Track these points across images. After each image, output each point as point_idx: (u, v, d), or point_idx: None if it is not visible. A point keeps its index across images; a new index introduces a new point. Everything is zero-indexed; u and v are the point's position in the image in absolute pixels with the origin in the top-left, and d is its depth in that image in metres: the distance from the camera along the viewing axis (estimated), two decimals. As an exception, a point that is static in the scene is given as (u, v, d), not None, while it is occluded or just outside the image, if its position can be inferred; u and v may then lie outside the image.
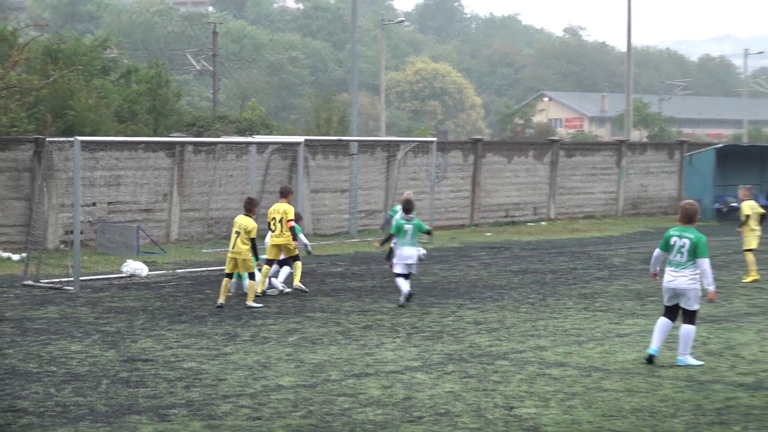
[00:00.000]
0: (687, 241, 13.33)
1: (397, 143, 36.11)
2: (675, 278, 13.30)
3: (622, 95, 75.45)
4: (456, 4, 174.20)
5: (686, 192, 41.99)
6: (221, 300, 18.45)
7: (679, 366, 13.22)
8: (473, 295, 20.12)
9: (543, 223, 39.06)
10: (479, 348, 14.55)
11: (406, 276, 18.85)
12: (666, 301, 13.52)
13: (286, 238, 19.85)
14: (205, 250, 27.46)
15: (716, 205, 41.20)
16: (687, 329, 13.33)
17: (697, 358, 13.46)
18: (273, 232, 20.00)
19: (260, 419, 10.73)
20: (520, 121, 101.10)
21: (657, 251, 13.78)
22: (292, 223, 19.97)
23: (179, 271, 24.05)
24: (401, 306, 18.49)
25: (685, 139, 59.62)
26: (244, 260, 18.52)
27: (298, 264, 20.36)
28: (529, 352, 14.30)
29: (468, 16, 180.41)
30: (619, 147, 44.17)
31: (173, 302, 19.28)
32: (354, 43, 35.82)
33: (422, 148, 34.91)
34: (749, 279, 22.07)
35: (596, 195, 42.69)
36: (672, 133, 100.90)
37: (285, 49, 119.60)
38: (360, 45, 51.87)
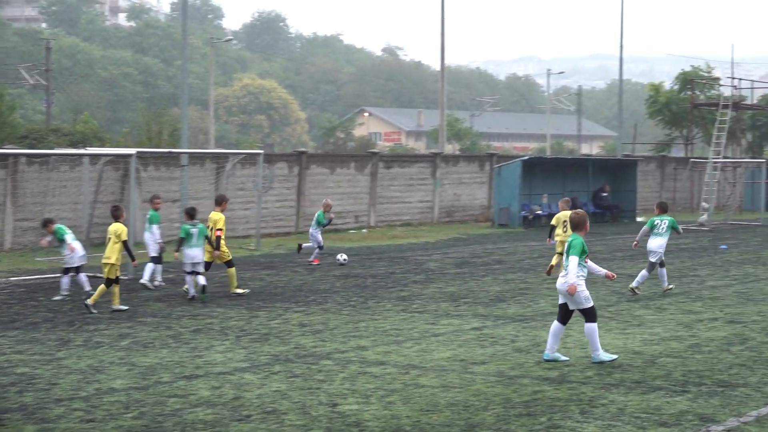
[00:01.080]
0: (567, 244, 13.49)
1: (226, 155, 35.82)
2: (560, 279, 13.49)
3: (436, 111, 76.58)
4: (281, 24, 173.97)
5: (495, 201, 42.86)
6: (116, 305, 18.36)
7: (490, 363, 13.42)
8: (299, 298, 20.07)
9: (364, 230, 39.28)
10: (304, 349, 14.50)
11: (193, 273, 19.89)
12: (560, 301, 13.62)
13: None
14: (38, 258, 26.64)
15: (523, 213, 42.17)
16: (587, 327, 13.37)
17: (562, 355, 13.55)
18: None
19: (93, 421, 10.46)
20: (342, 135, 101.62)
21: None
22: (220, 233, 20.37)
23: (12, 279, 23.30)
24: (192, 299, 19.56)
25: (495, 152, 60.73)
26: (112, 265, 18.20)
27: (232, 271, 20.61)
28: (351, 352, 14.33)
29: (293, 35, 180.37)
30: (434, 159, 44.78)
31: (6, 309, 18.66)
32: (184, 60, 35.40)
33: (250, 159, 34.68)
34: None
35: (413, 204, 43.17)
36: (482, 147, 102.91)
37: (117, 65, 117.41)
38: (190, 62, 51.21)
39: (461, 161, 47.06)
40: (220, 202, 21.10)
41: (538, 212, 42.98)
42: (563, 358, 13.51)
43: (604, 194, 46.30)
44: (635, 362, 13.39)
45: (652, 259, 20.50)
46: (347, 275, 24.22)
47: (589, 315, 13.32)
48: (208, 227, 20.46)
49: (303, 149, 43.82)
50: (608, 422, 10.36)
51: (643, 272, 20.57)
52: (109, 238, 18.42)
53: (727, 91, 58.86)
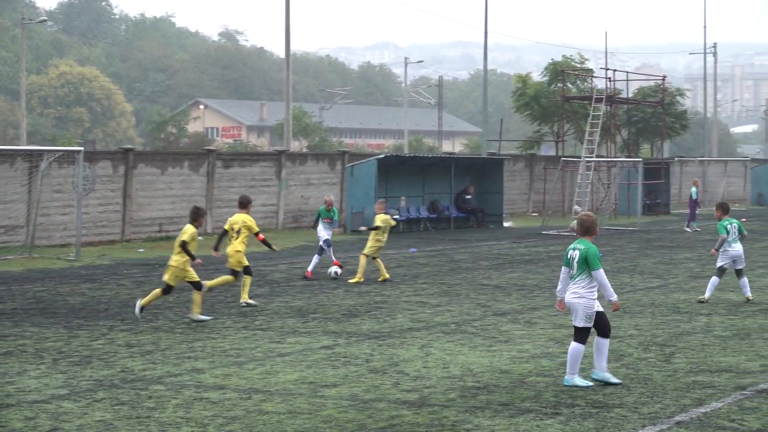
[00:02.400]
0: (577, 253, 13.44)
1: (40, 153, 35.03)
2: (568, 291, 13.54)
3: (281, 103, 76.51)
4: (104, 3, 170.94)
5: (348, 204, 42.98)
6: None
7: (342, 386, 13.47)
8: (125, 315, 19.79)
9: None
10: (132, 372, 14.30)
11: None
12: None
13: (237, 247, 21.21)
14: None
15: (378, 218, 42.36)
16: (572, 348, 13.42)
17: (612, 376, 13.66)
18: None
19: None
20: (174, 130, 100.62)
21: (563, 269, 13.71)
22: (262, 236, 21.84)
23: None
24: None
25: (347, 149, 61.02)
26: (181, 270, 19.12)
27: (248, 279, 21.16)
28: (186, 375, 14.19)
29: (117, 16, 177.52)
30: (279, 158, 44.69)
31: None
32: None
33: (68, 158, 34.06)
34: (354, 280, 25.09)
35: (255, 208, 42.74)
36: (333, 144, 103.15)
37: None
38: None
39: (309, 160, 47.10)
40: (246, 204, 21.86)
41: (396, 217, 43.28)
42: (615, 380, 13.51)
43: (468, 196, 46.90)
44: (502, 382, 13.60)
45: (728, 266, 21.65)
46: (181, 288, 23.95)
47: (579, 335, 13.42)
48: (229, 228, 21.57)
49: (129, 146, 43.16)
50: (473, 449, 10.49)
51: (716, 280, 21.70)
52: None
53: (600, 84, 60.29)
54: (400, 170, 45.32)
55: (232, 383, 13.63)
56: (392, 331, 17.88)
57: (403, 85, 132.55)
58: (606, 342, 13.46)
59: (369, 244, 25.47)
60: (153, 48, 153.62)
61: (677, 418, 11.62)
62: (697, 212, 45.47)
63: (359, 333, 17.74)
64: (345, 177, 44.62)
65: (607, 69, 59.85)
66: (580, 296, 13.29)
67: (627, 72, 67.83)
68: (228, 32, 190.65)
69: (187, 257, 19.24)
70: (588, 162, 47.53)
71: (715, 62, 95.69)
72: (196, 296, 19.30)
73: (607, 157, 58.20)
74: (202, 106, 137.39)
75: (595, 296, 13.32)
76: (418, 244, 37.06)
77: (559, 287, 13.70)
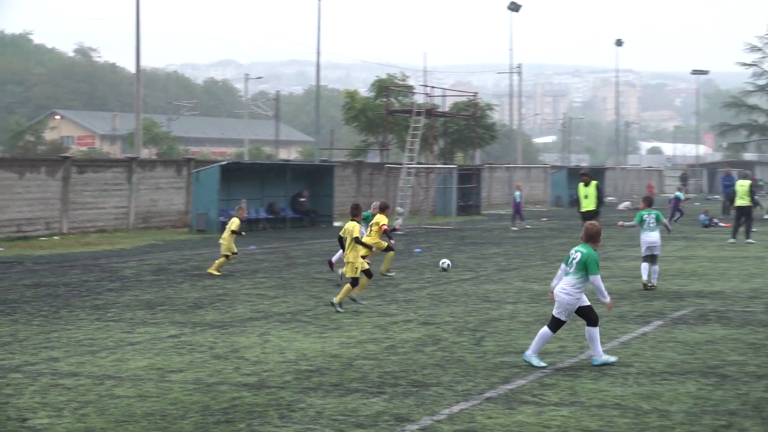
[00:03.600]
0: (579, 255, 13.45)
1: None
2: (559, 285, 13.56)
3: (132, 114, 75.15)
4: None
5: (194, 206, 42.53)
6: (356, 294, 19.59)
7: (187, 371, 13.31)
8: (-15, 310, 19.15)
9: (56, 237, 38.00)
10: (-9, 362, 13.86)
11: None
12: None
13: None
14: None
15: (221, 218, 42.04)
16: (543, 331, 13.51)
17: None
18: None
19: None
20: (32, 138, 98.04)
21: (561, 266, 13.76)
22: (385, 227, 23.92)
23: None
24: None
25: (192, 156, 60.36)
26: (350, 263, 18.91)
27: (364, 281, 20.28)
28: (43, 363, 13.82)
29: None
30: (129, 164, 43.92)
31: None
32: None
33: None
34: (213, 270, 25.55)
35: (108, 210, 42.16)
36: (180, 151, 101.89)
37: None
38: None
39: (158, 166, 46.40)
40: (384, 208, 24.53)
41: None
42: (612, 359, 13.56)
43: (302, 199, 46.92)
44: (333, 365, 13.62)
45: (649, 252, 21.88)
46: (38, 284, 23.37)
47: (554, 324, 13.47)
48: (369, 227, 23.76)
49: (-11, 153, 42.01)
50: (306, 426, 10.48)
51: (645, 264, 21.93)
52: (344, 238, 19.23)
53: (420, 99, 60.94)
54: (241, 175, 45.07)
55: (85, 370, 13.33)
56: (233, 321, 17.74)
57: (244, 98, 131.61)
58: (596, 330, 13.51)
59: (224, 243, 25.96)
60: (11, 62, 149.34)
61: (487, 395, 11.80)
62: (523, 212, 46.52)
63: (203, 323, 17.54)
64: (191, 182, 44.09)
65: (426, 86, 60.53)
66: (568, 293, 13.38)
67: (443, 89, 68.71)
68: (82, 49, 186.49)
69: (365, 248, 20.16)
70: (409, 168, 47.96)
71: (520, 81, 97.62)
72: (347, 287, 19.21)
73: (426, 164, 58.83)
74: (58, 117, 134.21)
75: (581, 296, 13.42)
76: (257, 242, 36.84)
77: (554, 282, 13.81)
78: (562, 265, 13.71)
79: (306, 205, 47.24)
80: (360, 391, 12.07)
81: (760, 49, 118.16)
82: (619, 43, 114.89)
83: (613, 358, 13.53)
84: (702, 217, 45.92)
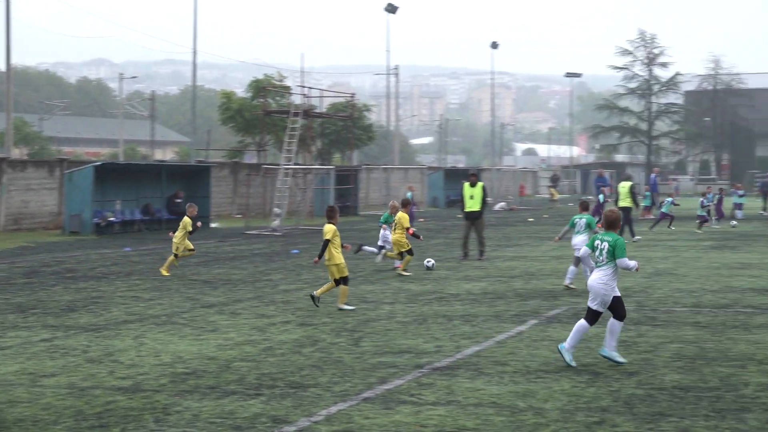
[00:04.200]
0: (606, 244, 13.46)
1: None
2: (591, 276, 13.64)
3: (2, 114, 73.38)
4: None
5: (67, 208, 41.73)
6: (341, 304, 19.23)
7: (60, 376, 13.06)
8: None
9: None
10: None
11: None
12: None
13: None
14: None
15: (95, 220, 41.36)
16: (580, 324, 13.49)
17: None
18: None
19: None
20: None
21: (584, 249, 14.13)
22: (412, 230, 25.81)
23: None
24: None
25: (65, 157, 59.18)
26: (335, 265, 19.12)
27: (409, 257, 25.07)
28: None
29: None
30: (0, 164, 42.88)
31: None
32: None
33: None
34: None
35: (-23, 211, 41.07)
36: (52, 151, 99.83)
37: None
38: None
39: (29, 166, 45.42)
40: (406, 204, 26.60)
41: (112, 219, 42.36)
42: (621, 359, 13.54)
43: (178, 200, 46.37)
44: (209, 368, 13.50)
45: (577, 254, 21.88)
46: None
47: (591, 315, 13.51)
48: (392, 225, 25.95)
49: None
50: (183, 429, 10.37)
51: (572, 268, 22.11)
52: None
53: (297, 99, 60.84)
54: (115, 176, 44.40)
55: (-47, 376, 12.96)
56: (108, 324, 17.45)
57: (118, 98, 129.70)
58: (620, 325, 13.54)
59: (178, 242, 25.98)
60: None
61: (364, 395, 11.83)
62: (414, 212, 46.66)
63: (77, 326, 17.22)
64: (64, 182, 43.25)
65: (303, 86, 60.44)
66: (605, 283, 13.41)
67: (321, 89, 68.73)
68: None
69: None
70: (287, 169, 47.83)
71: (397, 82, 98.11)
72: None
73: (304, 165, 58.77)
74: None
75: (615, 285, 13.49)
76: (132, 244, 36.32)
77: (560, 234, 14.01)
78: (585, 249, 14.06)
79: (182, 206, 46.68)
80: (237, 393, 11.98)
81: (631, 53, 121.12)
82: (494, 45, 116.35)
83: (622, 359, 13.57)
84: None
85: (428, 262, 26.85)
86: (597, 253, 13.61)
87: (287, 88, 69.90)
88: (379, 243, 28.47)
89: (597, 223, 22.70)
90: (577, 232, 22.33)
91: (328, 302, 20.01)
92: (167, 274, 25.35)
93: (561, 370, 13.14)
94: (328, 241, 19.17)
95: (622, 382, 12.39)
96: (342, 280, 19.23)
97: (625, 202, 36.71)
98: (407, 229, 25.42)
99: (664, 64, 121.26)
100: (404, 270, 25.61)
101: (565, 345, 13.56)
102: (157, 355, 14.34)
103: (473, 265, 28.06)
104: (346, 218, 55.81)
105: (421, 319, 17.80)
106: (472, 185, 29.66)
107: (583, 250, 14.07)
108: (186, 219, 26.09)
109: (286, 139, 50.13)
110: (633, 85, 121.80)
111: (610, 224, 13.78)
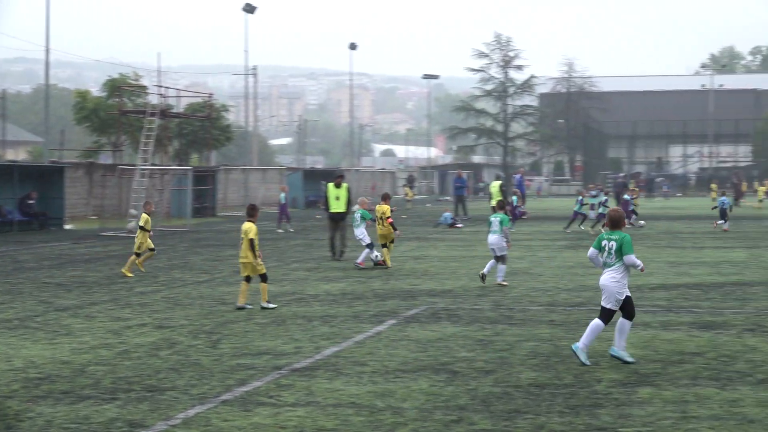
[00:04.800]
0: (613, 243, 13.52)
1: None
2: (603, 275, 13.66)
3: None
4: None
5: None
6: (241, 302, 19.27)
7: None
8: None
9: None
10: None
11: None
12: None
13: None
14: None
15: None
16: (594, 323, 13.51)
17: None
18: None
19: None
20: None
21: (591, 250, 13.93)
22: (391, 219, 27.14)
23: None
24: None
25: None
26: (249, 263, 19.09)
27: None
28: None
29: None
30: None
31: None
32: None
33: None
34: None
35: None
36: None
37: None
38: None
39: None
40: (386, 197, 28.32)
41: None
42: (630, 358, 13.57)
43: (31, 201, 45.29)
44: (63, 372, 13.21)
45: (493, 253, 22.75)
46: None
47: (605, 314, 13.52)
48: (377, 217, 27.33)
49: None
50: (35, 436, 10.12)
51: (492, 261, 22.78)
52: (242, 238, 19.29)
53: (154, 99, 60.00)
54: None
55: None
56: (-44, 329, 16.91)
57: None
58: (629, 324, 13.56)
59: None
60: None
61: (223, 397, 11.73)
62: (289, 213, 46.41)
63: None
64: None
65: (160, 86, 59.65)
66: (617, 281, 13.47)
67: (178, 89, 67.95)
68: None
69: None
70: (143, 170, 47.13)
71: (256, 82, 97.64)
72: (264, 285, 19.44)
73: (161, 165, 57.98)
74: None
75: (626, 282, 13.52)
76: (-18, 246, 35.28)
77: (594, 262, 14.00)
78: (592, 250, 13.96)
79: (34, 207, 45.62)
80: (92, 397, 11.75)
81: (487, 56, 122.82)
82: (353, 47, 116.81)
83: (630, 358, 13.60)
84: (447, 215, 47.24)
85: (375, 256, 27.25)
86: (605, 253, 13.75)
87: (143, 87, 68.92)
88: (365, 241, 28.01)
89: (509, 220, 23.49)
90: (493, 231, 22.81)
91: (183, 304, 19.79)
92: (131, 275, 25.05)
93: (419, 369, 13.25)
94: (252, 240, 19.16)
95: (479, 380, 12.55)
96: (263, 277, 19.34)
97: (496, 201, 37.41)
98: (388, 218, 27.12)
99: (519, 67, 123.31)
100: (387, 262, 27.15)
101: (579, 345, 13.66)
102: (9, 360, 13.97)
103: (332, 266, 28.10)
104: (203, 219, 55.32)
105: (280, 321, 17.75)
106: (337, 186, 29.85)
107: (590, 251, 14.11)
108: (145, 216, 25.83)
109: (142, 139, 49.41)
110: (489, 87, 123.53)
111: (615, 223, 13.96)
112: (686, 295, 20.60)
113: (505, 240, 22.69)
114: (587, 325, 16.66)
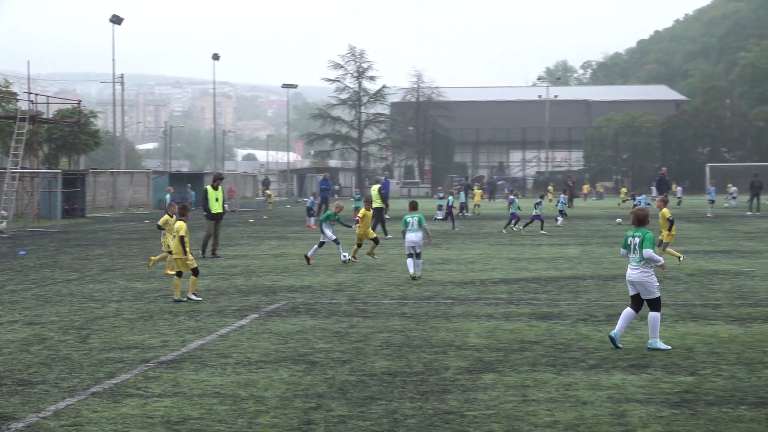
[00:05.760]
0: (638, 239, 13.76)
1: None
2: (631, 271, 13.81)
3: None
4: None
5: None
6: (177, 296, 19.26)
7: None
8: None
9: None
10: None
11: None
12: (630, 292, 13.94)
13: None
14: None
15: None
16: (653, 315, 13.62)
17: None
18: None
19: None
20: None
21: (622, 250, 14.16)
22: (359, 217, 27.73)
23: None
24: None
25: None
26: (180, 259, 19.06)
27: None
28: None
29: None
30: None
31: None
32: None
33: None
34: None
35: None
36: None
37: None
38: None
39: None
40: (368, 201, 29.01)
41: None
42: (665, 346, 13.69)
43: None
44: (-65, 369, 12.73)
45: (411, 251, 22.89)
46: None
47: (656, 305, 13.65)
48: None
49: None
50: None
51: (409, 260, 22.83)
52: (174, 235, 19.36)
53: (24, 105, 58.35)
54: None
55: None
56: None
57: None
58: (659, 315, 13.71)
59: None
60: None
61: (92, 390, 11.48)
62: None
63: None
64: None
65: (29, 93, 58.05)
66: (649, 274, 13.69)
67: (48, 96, 66.21)
68: None
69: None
70: (13, 173, 45.80)
71: (123, 90, 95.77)
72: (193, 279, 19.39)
73: (31, 169, 56.41)
74: None
75: (653, 272, 13.73)
76: None
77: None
78: (623, 250, 14.09)
79: None
80: (-37, 393, 11.35)
81: (342, 67, 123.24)
82: (216, 57, 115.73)
83: (667, 346, 13.69)
84: (311, 198, 48.57)
85: (344, 256, 26.82)
86: (631, 249, 13.91)
87: (14, 94, 66.98)
88: (322, 239, 27.44)
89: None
90: (411, 230, 22.97)
91: (53, 301, 19.32)
92: (172, 273, 24.21)
93: (280, 360, 13.21)
94: (183, 237, 19.10)
95: (336, 370, 12.57)
96: (188, 272, 19.37)
97: (376, 203, 37.95)
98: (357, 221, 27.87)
99: (372, 78, 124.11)
100: (373, 254, 27.95)
101: (651, 342, 13.74)
102: None
103: (198, 263, 27.77)
104: (73, 221, 54.07)
105: (148, 316, 17.46)
106: (216, 188, 30.11)
107: (622, 251, 14.21)
108: (165, 217, 24.52)
109: (12, 144, 48.00)
110: (344, 96, 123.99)
111: (641, 221, 14.14)
112: (525, 289, 21.02)
113: (427, 237, 23.04)
114: (435, 316, 16.83)
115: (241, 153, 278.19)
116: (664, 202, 26.19)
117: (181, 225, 19.34)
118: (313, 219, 46.58)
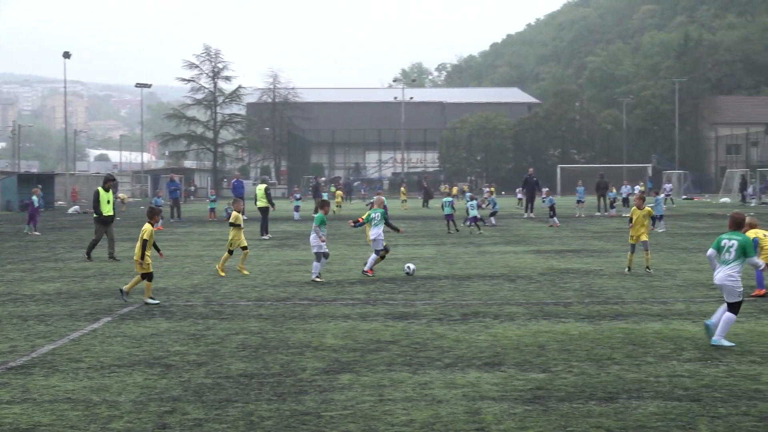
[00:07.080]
0: (735, 243, 13.81)
1: None
2: (719, 274, 13.93)
3: None
4: None
5: None
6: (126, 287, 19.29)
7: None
8: None
9: None
10: None
11: None
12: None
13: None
14: None
15: None
16: (727, 316, 13.79)
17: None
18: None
19: None
20: None
21: (711, 251, 14.15)
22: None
23: None
24: None
25: None
26: (135, 261, 18.93)
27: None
28: None
29: None
30: None
31: None
32: None
33: None
34: None
35: None
36: None
37: None
38: None
39: None
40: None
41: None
42: (729, 344, 13.88)
43: None
44: None
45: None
46: None
47: (734, 308, 13.82)
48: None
49: None
50: None
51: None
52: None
53: None
54: None
55: None
56: None
57: None
58: (734, 317, 13.88)
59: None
60: None
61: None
62: (38, 217, 43.91)
63: None
64: None
65: None
66: (735, 279, 13.80)
67: None
68: None
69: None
70: None
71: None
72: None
73: None
74: None
75: (740, 278, 13.91)
76: None
77: (711, 263, 14.25)
78: (712, 251, 14.13)
79: None
80: None
81: (197, 67, 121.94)
82: (66, 55, 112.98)
83: (731, 343, 13.85)
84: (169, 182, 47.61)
85: (408, 267, 24.42)
86: (724, 251, 13.99)
87: None
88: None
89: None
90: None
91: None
92: (223, 274, 23.78)
93: (134, 364, 12.98)
94: (146, 240, 18.91)
95: (191, 372, 12.43)
96: (146, 276, 19.00)
97: (261, 202, 37.77)
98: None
99: (227, 78, 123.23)
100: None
101: (716, 339, 13.87)
102: None
103: (47, 266, 27.08)
104: None
105: (18, 320, 16.93)
106: (107, 190, 29.62)
107: (710, 252, 14.17)
108: (235, 214, 24.12)
109: None
110: (200, 96, 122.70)
111: (738, 225, 14.31)
112: (382, 289, 21.16)
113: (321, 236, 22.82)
114: (292, 317, 16.85)
115: (93, 153, 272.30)
116: (642, 200, 25.71)
117: (146, 228, 19.14)
118: (161, 221, 45.93)
